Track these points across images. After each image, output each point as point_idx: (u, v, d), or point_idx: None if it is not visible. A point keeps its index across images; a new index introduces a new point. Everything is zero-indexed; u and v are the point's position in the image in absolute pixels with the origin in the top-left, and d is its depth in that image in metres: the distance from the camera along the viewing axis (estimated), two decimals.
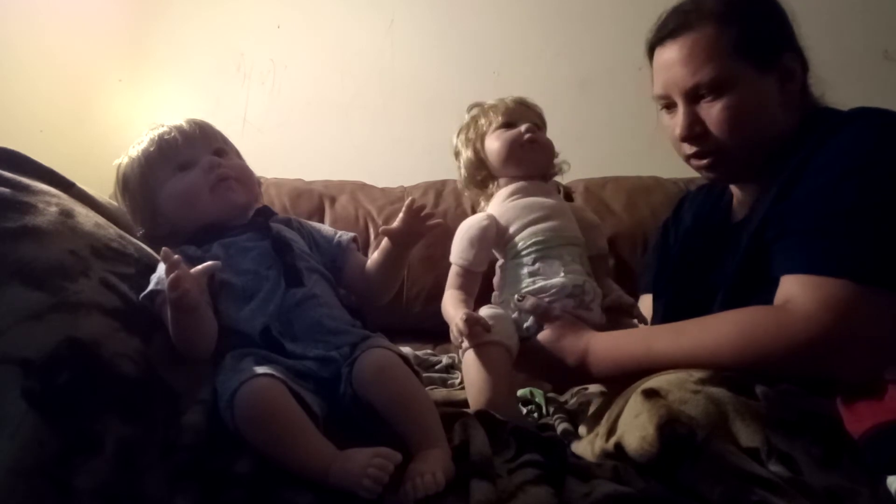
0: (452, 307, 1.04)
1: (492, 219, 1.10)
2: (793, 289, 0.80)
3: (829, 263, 0.78)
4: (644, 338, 0.92)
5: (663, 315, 1.08)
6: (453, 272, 1.10)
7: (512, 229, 1.09)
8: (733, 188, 1.08)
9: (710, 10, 0.95)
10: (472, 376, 0.96)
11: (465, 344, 0.97)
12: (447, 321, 1.04)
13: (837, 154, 0.85)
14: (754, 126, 0.94)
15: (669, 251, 1.18)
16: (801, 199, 0.85)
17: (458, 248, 1.10)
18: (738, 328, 0.82)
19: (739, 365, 0.79)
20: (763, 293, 0.85)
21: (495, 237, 1.09)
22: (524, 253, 1.07)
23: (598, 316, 1.06)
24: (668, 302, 1.10)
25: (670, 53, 0.97)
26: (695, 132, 0.96)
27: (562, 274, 1.05)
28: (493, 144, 1.14)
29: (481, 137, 1.16)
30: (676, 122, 0.97)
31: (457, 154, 1.22)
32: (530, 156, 1.13)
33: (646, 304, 1.21)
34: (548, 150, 1.17)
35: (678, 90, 0.96)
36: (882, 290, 0.76)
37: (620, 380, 0.88)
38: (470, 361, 0.97)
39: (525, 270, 1.07)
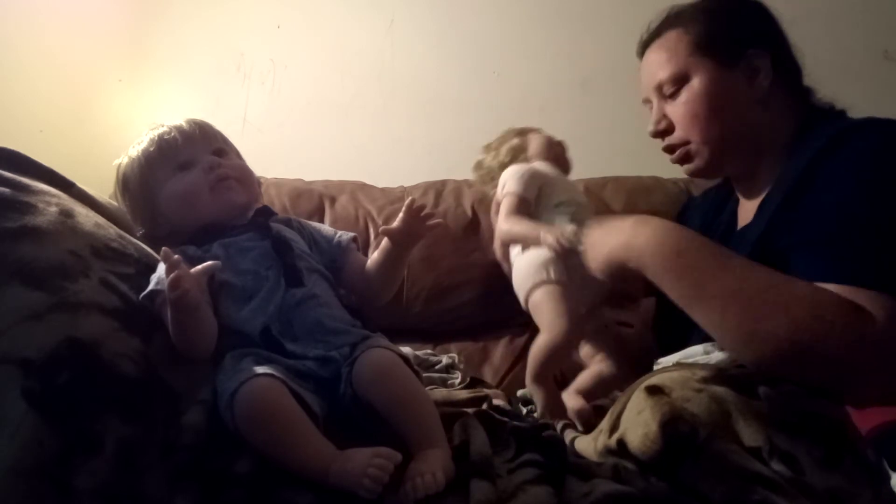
0: (529, 226, 1.18)
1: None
2: (849, 294, 0.76)
3: (862, 274, 0.76)
4: (723, 252, 0.83)
5: (667, 316, 1.08)
6: (513, 203, 1.22)
7: (551, 181, 1.26)
8: (737, 189, 1.08)
9: (678, 15, 1.03)
10: (552, 309, 1.10)
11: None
12: (519, 237, 1.19)
13: (856, 162, 0.84)
14: (715, 118, 0.97)
15: None
16: (825, 207, 0.83)
17: (521, 182, 1.23)
18: (810, 298, 0.76)
19: (789, 337, 0.74)
20: None
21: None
22: (564, 204, 1.23)
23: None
24: (671, 302, 1.10)
25: (646, 58, 1.06)
26: (661, 127, 1.03)
27: None
28: (537, 137, 1.39)
29: (526, 134, 1.41)
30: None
31: (492, 147, 1.43)
32: (562, 153, 1.38)
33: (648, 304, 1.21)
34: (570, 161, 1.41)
35: (651, 90, 1.04)
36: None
37: (659, 272, 0.83)
38: (548, 297, 1.11)
39: (567, 218, 1.20)
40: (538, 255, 1.15)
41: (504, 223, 1.21)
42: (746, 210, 1.04)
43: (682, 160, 1.03)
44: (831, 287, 0.77)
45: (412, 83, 2.03)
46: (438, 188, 1.74)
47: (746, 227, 1.00)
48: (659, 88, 1.02)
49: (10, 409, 0.63)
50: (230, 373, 0.78)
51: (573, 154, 1.38)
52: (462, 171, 1.82)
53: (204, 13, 2.08)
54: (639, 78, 1.09)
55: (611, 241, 0.91)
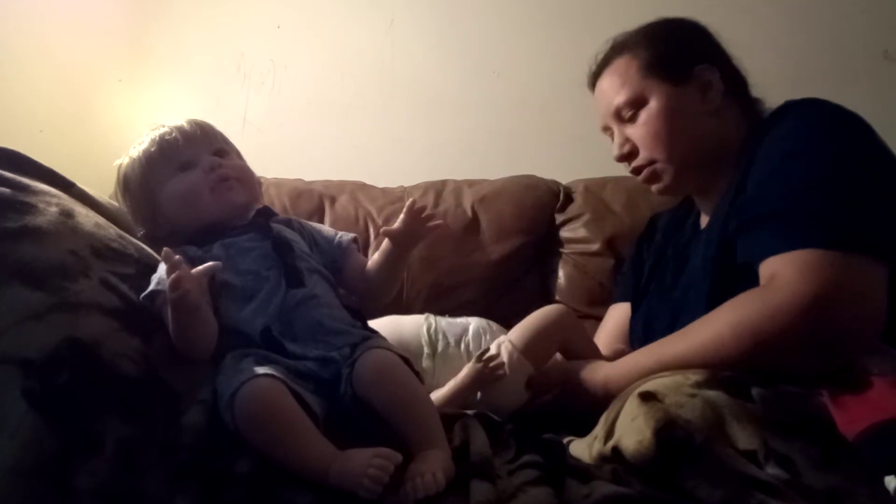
0: (450, 386, 1.07)
1: None
2: (769, 269, 0.82)
3: (796, 238, 0.81)
4: (654, 352, 0.93)
5: (644, 320, 1.12)
6: None
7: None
8: (698, 202, 1.12)
9: (623, 44, 1.07)
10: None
11: None
12: (460, 395, 1.05)
13: (778, 140, 0.90)
14: (676, 134, 1.00)
15: (643, 264, 1.22)
16: (753, 188, 0.89)
17: None
18: (732, 314, 0.83)
19: (741, 350, 0.80)
20: (735, 288, 0.87)
21: None
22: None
23: None
24: (647, 307, 1.13)
25: (598, 89, 1.10)
26: (625, 151, 1.05)
27: None
28: None
29: None
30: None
31: None
32: None
33: (615, 312, 1.27)
34: None
35: (609, 117, 1.07)
36: (851, 253, 0.78)
37: None
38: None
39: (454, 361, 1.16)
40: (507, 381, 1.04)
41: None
42: (707, 213, 1.08)
43: (650, 180, 1.05)
44: (765, 263, 0.83)
45: (412, 83, 2.03)
46: (438, 188, 1.74)
47: (706, 227, 1.04)
48: (617, 114, 1.05)
49: (10, 409, 0.63)
50: (230, 373, 0.78)
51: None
52: (462, 171, 1.82)
53: (204, 13, 2.08)
54: (595, 108, 1.12)
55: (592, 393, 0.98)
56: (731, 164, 0.98)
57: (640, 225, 1.60)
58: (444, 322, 1.23)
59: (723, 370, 0.79)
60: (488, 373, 1.03)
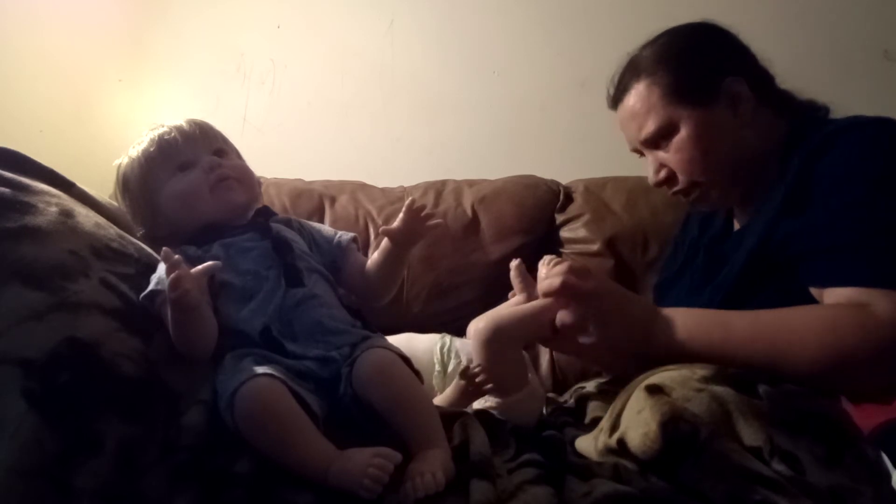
0: (448, 394, 1.08)
1: None
2: (862, 297, 0.79)
3: (879, 274, 0.78)
4: (717, 327, 0.85)
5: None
6: None
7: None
8: (735, 207, 1.10)
9: (641, 68, 1.01)
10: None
11: None
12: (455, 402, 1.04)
13: (854, 164, 0.85)
14: (715, 156, 0.97)
15: (676, 262, 1.21)
16: (823, 213, 0.85)
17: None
18: (822, 324, 0.79)
19: (821, 363, 0.77)
20: (762, 298, 0.85)
21: None
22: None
23: None
24: (675, 300, 1.11)
25: (621, 113, 1.06)
26: (661, 177, 1.02)
27: None
28: None
29: None
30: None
31: None
32: None
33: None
34: None
35: (637, 143, 1.04)
36: None
37: (680, 361, 0.83)
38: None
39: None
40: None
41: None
42: (742, 214, 1.06)
43: (696, 202, 1.03)
44: (845, 291, 0.80)
45: (412, 83, 2.03)
46: (438, 188, 1.74)
47: (742, 229, 1.02)
48: (646, 142, 1.01)
49: (10, 409, 0.63)
50: (230, 373, 0.78)
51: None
52: (462, 171, 1.82)
53: (204, 13, 2.08)
54: (620, 129, 1.08)
55: (630, 340, 0.90)
56: (771, 167, 0.95)
57: (639, 225, 1.61)
58: (459, 342, 1.23)
59: (735, 369, 0.78)
60: (474, 389, 0.99)
